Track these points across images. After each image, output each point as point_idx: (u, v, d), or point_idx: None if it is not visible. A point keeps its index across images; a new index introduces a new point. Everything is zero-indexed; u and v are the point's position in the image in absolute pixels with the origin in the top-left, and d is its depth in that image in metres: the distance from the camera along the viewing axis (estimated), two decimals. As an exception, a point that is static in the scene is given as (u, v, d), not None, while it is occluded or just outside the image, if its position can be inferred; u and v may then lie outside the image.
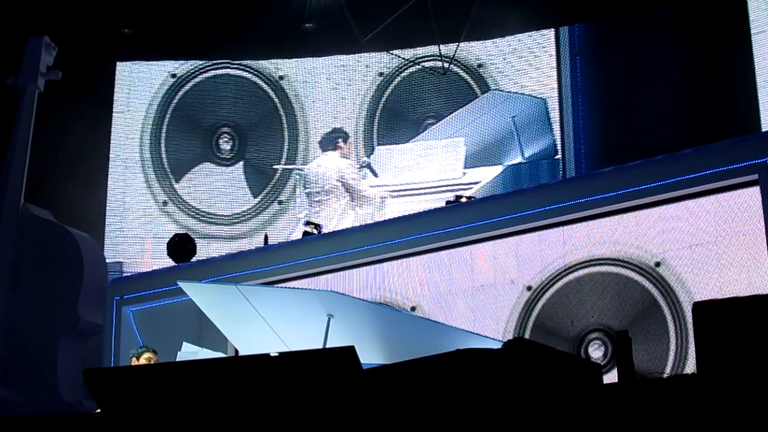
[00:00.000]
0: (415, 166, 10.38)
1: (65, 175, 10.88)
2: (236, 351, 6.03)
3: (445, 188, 9.80)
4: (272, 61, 11.77)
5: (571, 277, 6.55)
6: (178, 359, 6.23)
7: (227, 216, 11.47)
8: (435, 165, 10.25)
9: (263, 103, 11.75)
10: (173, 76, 11.73)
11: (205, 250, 10.75)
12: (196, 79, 11.76)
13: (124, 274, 10.44)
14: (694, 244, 6.12)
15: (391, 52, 11.49)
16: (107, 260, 10.28)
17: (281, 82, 11.73)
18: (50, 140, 10.70)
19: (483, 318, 6.80)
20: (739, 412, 3.30)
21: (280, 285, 7.36)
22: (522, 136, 10.38)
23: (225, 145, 11.68)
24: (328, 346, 4.41)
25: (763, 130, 9.43)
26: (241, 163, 11.64)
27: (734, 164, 5.93)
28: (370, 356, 4.25)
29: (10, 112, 10.17)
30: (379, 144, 11.28)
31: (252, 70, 11.77)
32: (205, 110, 11.75)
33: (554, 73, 10.92)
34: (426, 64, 11.48)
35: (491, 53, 11.29)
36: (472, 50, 11.32)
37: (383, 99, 11.54)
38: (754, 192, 5.88)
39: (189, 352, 6.49)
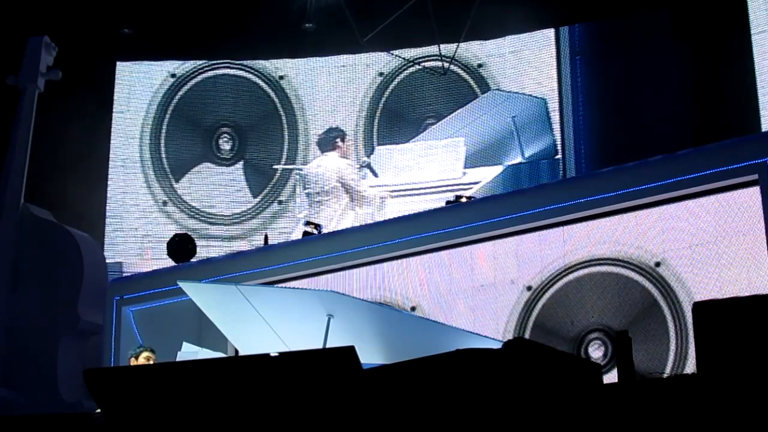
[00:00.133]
0: (415, 166, 10.38)
1: (65, 175, 10.87)
2: (236, 351, 6.02)
3: (445, 188, 9.80)
4: (272, 61, 11.77)
5: (571, 277, 6.55)
6: (178, 359, 6.23)
7: (227, 216, 11.47)
8: (435, 165, 10.25)
9: (263, 103, 11.75)
10: (173, 75, 11.72)
11: (205, 250, 10.75)
12: (196, 79, 11.76)
13: (124, 274, 10.44)
14: (694, 244, 6.12)
15: (391, 52, 11.48)
16: (107, 260, 10.28)
17: (281, 82, 11.73)
18: (50, 140, 10.70)
19: (483, 318, 6.80)
20: (739, 412, 3.30)
21: (280, 285, 7.36)
22: (522, 136, 10.38)
23: (225, 145, 11.68)
24: (328, 346, 4.40)
25: (763, 130, 9.43)
26: (241, 163, 11.64)
27: (734, 164, 5.93)
28: (370, 356, 4.25)
29: (10, 112, 10.17)
30: (379, 144, 11.28)
31: (252, 70, 11.77)
32: (205, 110, 11.75)
33: (554, 73, 10.92)
34: (426, 64, 11.48)
35: (491, 53, 11.29)
36: (472, 50, 11.32)
37: (383, 99, 11.54)
38: (754, 192, 5.88)
39: (189, 352, 6.49)
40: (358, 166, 10.77)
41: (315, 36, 11.62)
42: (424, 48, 11.47)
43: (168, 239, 9.40)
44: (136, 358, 6.87)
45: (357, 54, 11.57)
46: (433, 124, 11.18)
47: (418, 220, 7.27)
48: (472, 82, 11.30)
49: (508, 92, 10.91)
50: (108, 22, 11.36)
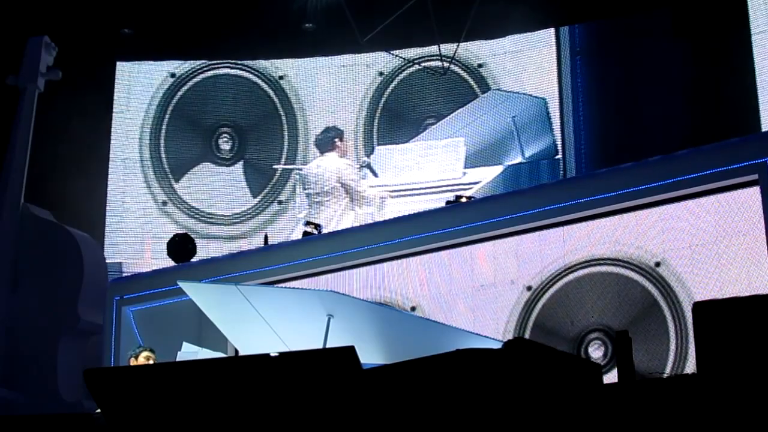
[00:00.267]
0: (415, 166, 10.38)
1: (65, 175, 10.87)
2: (236, 351, 6.02)
3: (445, 188, 9.80)
4: (272, 60, 11.77)
5: (571, 277, 6.55)
6: (178, 359, 6.23)
7: (227, 216, 11.47)
8: (435, 165, 10.25)
9: (263, 103, 11.74)
10: (173, 75, 11.72)
11: (204, 250, 10.75)
12: (196, 79, 11.75)
13: (124, 274, 10.43)
14: (694, 244, 6.12)
15: (391, 52, 11.48)
16: (107, 260, 10.28)
17: (281, 81, 11.73)
18: (50, 140, 10.70)
19: (483, 318, 6.80)
20: (739, 412, 3.30)
21: (280, 285, 7.36)
22: (522, 136, 10.37)
23: (225, 145, 11.67)
24: (328, 346, 4.40)
25: (763, 130, 9.43)
26: (241, 163, 11.64)
27: (734, 164, 5.93)
28: (370, 356, 4.25)
29: (10, 112, 10.17)
30: (379, 144, 11.27)
31: (252, 70, 11.76)
32: (205, 110, 11.74)
33: (554, 73, 10.92)
34: (426, 64, 11.48)
35: (491, 53, 11.28)
36: (473, 50, 11.32)
37: (383, 99, 11.53)
38: (754, 192, 5.88)
39: (189, 352, 6.49)
40: (358, 166, 10.77)
41: (315, 36, 11.61)
42: (424, 48, 11.47)
43: (168, 239, 9.40)
44: (136, 358, 6.88)
45: (357, 54, 11.57)
46: (433, 124, 11.18)
47: (418, 220, 7.27)
48: (472, 82, 11.30)
49: (508, 92, 10.90)
50: (108, 22, 11.36)
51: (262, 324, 4.65)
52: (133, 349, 7.11)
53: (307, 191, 10.42)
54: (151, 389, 3.47)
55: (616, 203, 6.37)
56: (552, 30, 11.03)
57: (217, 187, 11.58)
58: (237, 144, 11.67)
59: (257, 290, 4.90)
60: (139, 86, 11.70)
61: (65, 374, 9.24)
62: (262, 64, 11.76)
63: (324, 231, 8.35)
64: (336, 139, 10.55)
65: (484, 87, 11.21)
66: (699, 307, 3.52)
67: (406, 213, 8.47)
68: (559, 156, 10.54)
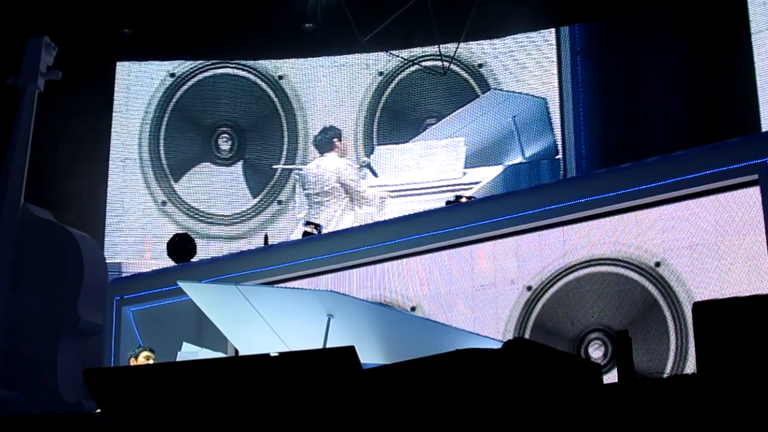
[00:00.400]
0: (415, 166, 10.38)
1: (65, 175, 10.87)
2: (236, 351, 6.02)
3: (445, 188, 9.79)
4: (272, 60, 11.77)
5: (571, 277, 6.55)
6: (178, 359, 6.23)
7: (227, 216, 11.47)
8: (435, 165, 10.25)
9: (263, 103, 11.74)
10: (172, 75, 11.72)
11: (204, 250, 10.75)
12: (195, 79, 11.75)
13: (124, 274, 10.43)
14: (694, 244, 6.12)
15: (390, 52, 11.48)
16: (107, 260, 10.28)
17: (281, 81, 11.73)
18: (50, 140, 10.70)
19: (483, 318, 6.80)
20: (739, 412, 3.29)
21: (280, 285, 7.35)
22: (522, 136, 10.37)
23: (224, 144, 11.67)
24: (328, 346, 4.40)
25: (763, 130, 9.43)
26: (241, 162, 11.64)
27: (734, 164, 5.93)
28: (370, 356, 4.25)
29: (10, 112, 10.17)
30: (379, 144, 11.27)
31: (251, 70, 11.76)
32: (205, 110, 11.74)
33: (555, 73, 10.92)
34: (426, 64, 11.47)
35: (492, 53, 11.28)
36: (473, 50, 11.32)
37: (383, 99, 11.53)
38: (754, 192, 5.88)
39: (189, 352, 6.49)
40: (358, 166, 10.77)
41: (315, 36, 11.61)
42: (424, 48, 11.47)
43: (168, 239, 9.40)
44: (136, 358, 6.88)
45: (357, 54, 11.57)
46: (433, 123, 11.17)
47: (418, 220, 7.26)
48: (472, 82, 11.30)
49: (509, 92, 10.90)
50: (108, 22, 11.36)
51: (262, 324, 4.65)
52: (133, 349, 7.11)
53: (306, 191, 10.42)
54: (151, 389, 3.47)
55: (615, 203, 6.37)
56: (552, 30, 11.03)
57: (217, 187, 11.57)
58: (237, 144, 11.67)
59: (257, 290, 4.90)
60: (139, 86, 11.70)
61: (65, 374, 9.24)
62: (261, 63, 11.76)
63: (324, 231, 8.35)
64: (335, 139, 10.54)
65: (485, 87, 11.21)
66: (699, 307, 3.52)
67: (406, 213, 8.47)
68: (560, 156, 10.54)
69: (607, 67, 10.73)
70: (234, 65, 11.77)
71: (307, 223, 8.22)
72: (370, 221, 9.51)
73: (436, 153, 10.35)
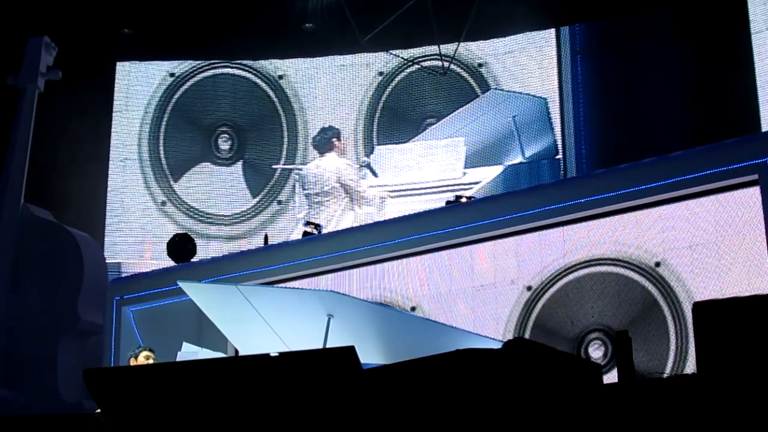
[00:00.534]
0: (415, 166, 10.38)
1: (65, 175, 10.87)
2: (236, 351, 6.02)
3: (445, 188, 9.79)
4: (271, 60, 11.76)
5: (571, 277, 6.55)
6: (178, 359, 6.23)
7: (226, 216, 11.46)
8: (435, 165, 10.25)
9: (262, 103, 11.73)
10: (172, 75, 11.71)
11: (204, 250, 10.74)
12: (195, 79, 11.74)
13: (124, 274, 10.43)
14: (694, 244, 6.12)
15: (390, 52, 11.48)
16: (107, 260, 10.28)
17: (280, 81, 11.72)
18: (50, 140, 10.70)
19: (483, 318, 6.80)
20: (739, 412, 3.29)
21: (280, 285, 7.35)
22: (522, 136, 10.36)
23: (224, 144, 11.66)
24: (328, 346, 4.40)
25: (763, 130, 9.43)
26: (240, 162, 11.63)
27: (734, 164, 5.93)
28: (370, 356, 4.25)
29: (10, 112, 10.17)
30: (379, 144, 11.27)
31: (251, 70, 11.75)
32: (204, 110, 11.73)
33: (555, 73, 10.91)
34: (426, 64, 11.47)
35: (492, 53, 11.28)
36: (473, 50, 11.31)
37: (383, 98, 11.53)
38: (754, 192, 5.88)
39: (189, 352, 6.49)
40: (358, 166, 10.77)
41: (315, 36, 11.61)
42: (424, 48, 11.46)
43: (167, 239, 9.39)
44: (136, 358, 6.88)
45: (357, 54, 11.56)
46: (433, 123, 11.17)
47: (418, 220, 7.26)
48: (472, 82, 11.30)
49: (509, 92, 10.90)
50: (108, 22, 11.36)
51: (262, 324, 4.65)
52: (133, 349, 7.11)
53: (306, 191, 10.42)
54: (151, 389, 3.47)
55: (616, 203, 6.37)
56: (552, 30, 11.02)
57: (217, 187, 11.57)
58: (236, 144, 11.66)
59: (257, 290, 4.90)
60: (139, 86, 11.69)
61: (65, 374, 9.24)
62: (261, 63, 11.75)
63: (324, 231, 8.35)
64: (334, 139, 10.54)
65: (485, 87, 11.21)
66: (699, 307, 3.52)
67: (406, 213, 8.47)
68: (560, 156, 10.54)
69: (607, 67, 10.73)
70: (233, 65, 11.77)
71: (307, 223, 8.22)
72: (370, 221, 9.51)
73: (436, 153, 10.35)
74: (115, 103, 11.62)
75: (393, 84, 11.53)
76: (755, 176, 5.86)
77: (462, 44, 11.18)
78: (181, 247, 9.06)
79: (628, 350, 4.05)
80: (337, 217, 10.02)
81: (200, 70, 11.75)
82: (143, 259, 11.07)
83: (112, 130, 11.54)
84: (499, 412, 3.23)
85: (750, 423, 3.27)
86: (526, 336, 6.57)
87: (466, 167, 10.17)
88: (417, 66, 11.47)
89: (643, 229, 6.33)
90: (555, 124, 10.63)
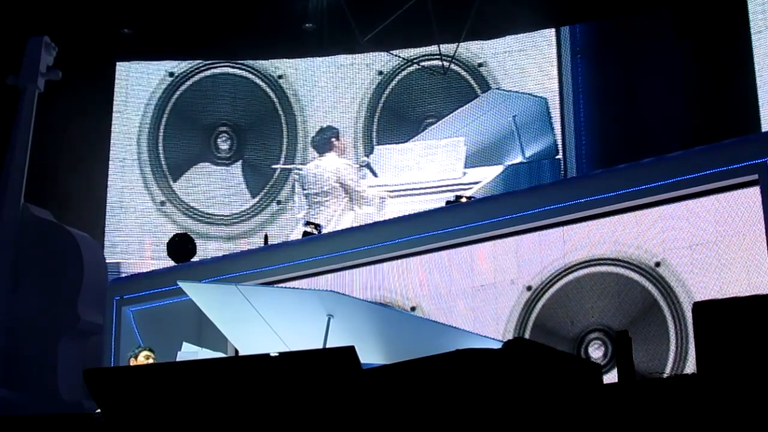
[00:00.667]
0: (415, 166, 10.38)
1: (65, 175, 10.87)
2: (236, 351, 6.02)
3: (445, 188, 9.79)
4: (271, 60, 11.76)
5: (571, 277, 6.55)
6: (178, 359, 6.23)
7: (226, 216, 11.45)
8: (435, 165, 10.25)
9: (262, 103, 11.73)
10: (171, 75, 11.70)
11: (203, 250, 10.74)
12: (194, 78, 11.74)
13: (123, 274, 10.43)
14: (695, 244, 6.12)
15: (391, 52, 11.47)
16: (107, 260, 10.28)
17: (280, 81, 11.72)
18: (50, 140, 10.70)
19: (483, 318, 6.80)
20: (739, 412, 3.29)
21: (280, 285, 7.35)
22: (523, 136, 10.37)
23: (223, 144, 11.65)
24: (328, 346, 4.40)
25: (763, 130, 9.43)
26: (240, 162, 11.62)
27: (734, 164, 5.94)
28: (370, 356, 4.25)
29: (10, 112, 10.17)
30: (378, 143, 11.26)
31: (251, 69, 11.75)
32: (204, 109, 11.72)
33: (555, 73, 10.90)
34: (426, 64, 11.46)
35: (492, 52, 11.27)
36: (473, 49, 11.31)
37: (383, 98, 11.52)
38: (754, 192, 5.88)
39: (189, 352, 6.49)
40: (358, 166, 10.76)
41: (315, 36, 11.61)
42: (424, 48, 11.46)
43: (167, 239, 9.39)
44: (136, 358, 6.88)
45: (357, 54, 11.56)
46: (433, 123, 11.17)
47: (418, 220, 7.27)
48: (472, 82, 11.29)
49: (509, 91, 10.90)
50: (108, 22, 11.36)
51: (262, 324, 4.65)
52: (132, 349, 7.11)
53: (306, 191, 10.41)
54: (151, 389, 3.47)
55: (616, 203, 6.37)
56: (552, 30, 11.02)
57: (216, 187, 11.56)
58: (236, 143, 11.65)
59: (257, 290, 4.90)
60: (138, 85, 11.69)
61: (65, 374, 9.24)
62: (261, 63, 11.74)
63: (324, 231, 8.35)
64: (333, 139, 10.54)
65: (485, 86, 11.20)
66: (699, 307, 3.52)
67: (406, 213, 8.47)
68: (560, 156, 10.54)
69: (607, 67, 10.73)
70: (233, 65, 11.76)
71: (307, 223, 8.22)
72: (370, 221, 9.51)
73: (436, 153, 10.35)
74: (114, 103, 11.61)
75: (393, 84, 11.52)
76: (755, 176, 5.86)
77: (462, 44, 11.18)
78: (181, 247, 9.06)
79: (628, 350, 4.05)
80: (336, 217, 10.02)
81: (200, 69, 11.75)
82: (143, 259, 11.07)
83: (112, 129, 11.54)
84: (499, 412, 3.23)
85: (750, 423, 3.27)
86: (526, 336, 6.57)
87: (466, 167, 10.17)
88: (417, 66, 11.46)
89: (643, 229, 6.33)
90: (555, 124, 10.63)
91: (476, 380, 3.24)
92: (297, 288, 6.87)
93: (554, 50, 10.98)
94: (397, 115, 11.47)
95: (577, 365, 3.99)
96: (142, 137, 11.58)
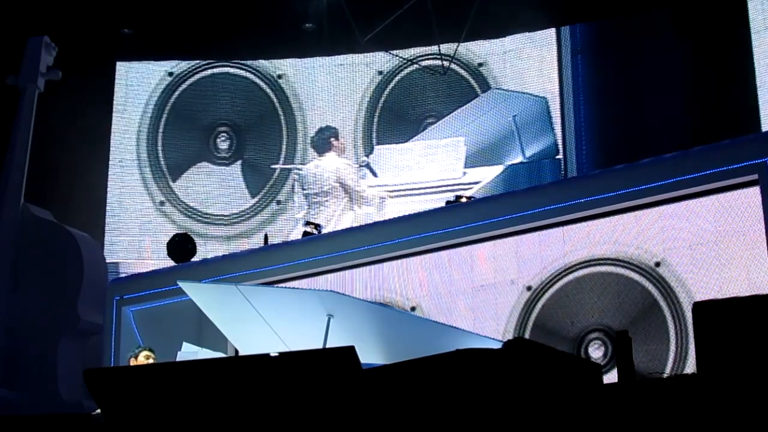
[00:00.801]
0: (415, 166, 10.38)
1: (65, 175, 10.87)
2: (236, 351, 6.02)
3: (445, 188, 9.79)
4: (271, 60, 11.75)
5: (571, 277, 6.55)
6: (178, 359, 6.23)
7: (225, 216, 11.44)
8: (435, 165, 10.25)
9: (261, 102, 11.72)
10: (170, 74, 11.70)
11: (203, 251, 10.73)
12: (194, 78, 11.72)
13: (122, 274, 10.42)
14: (695, 244, 6.12)
15: (390, 51, 11.47)
16: (107, 260, 10.27)
17: (279, 80, 11.71)
18: (50, 140, 10.70)
19: (483, 318, 6.80)
20: (739, 412, 3.29)
21: (280, 285, 7.35)
22: (523, 136, 10.37)
23: (223, 144, 11.64)
24: (328, 346, 4.40)
25: (763, 130, 9.43)
26: (239, 162, 11.62)
27: (734, 164, 5.94)
28: (370, 356, 4.25)
29: (10, 112, 10.17)
30: (378, 143, 11.26)
31: (250, 69, 11.74)
32: (203, 109, 11.71)
33: (555, 72, 10.90)
34: (426, 64, 11.46)
35: (492, 52, 11.27)
36: (473, 49, 11.30)
37: (383, 98, 11.51)
38: (754, 192, 5.88)
39: (189, 352, 6.49)
40: (357, 165, 10.76)
41: (315, 36, 11.60)
42: (424, 47, 11.45)
43: (166, 239, 9.39)
44: (136, 358, 6.88)
45: (356, 54, 11.55)
46: (433, 123, 11.17)
47: (418, 220, 7.27)
48: (472, 81, 11.29)
49: (509, 91, 10.89)
50: (108, 22, 11.36)
51: (262, 324, 4.65)
52: (133, 349, 7.11)
53: (306, 191, 10.41)
54: (151, 389, 3.47)
55: (616, 203, 6.37)
56: (553, 29, 11.02)
57: (216, 187, 11.55)
58: (235, 143, 11.65)
59: (257, 290, 4.90)
60: (137, 85, 11.68)
61: (65, 374, 9.24)
62: (260, 62, 11.74)
63: (323, 231, 8.35)
64: (332, 138, 10.54)
65: (485, 86, 11.20)
66: (699, 307, 3.52)
67: (406, 213, 8.47)
68: (560, 156, 10.54)
69: (607, 67, 10.73)
70: (232, 64, 11.76)
71: (307, 223, 8.22)
72: (370, 221, 9.51)
73: (436, 153, 10.35)
74: (114, 102, 11.61)
75: (393, 83, 11.51)
76: (755, 176, 5.86)
77: (462, 44, 11.17)
78: (181, 247, 9.06)
79: (628, 350, 4.05)
80: (336, 217, 10.02)
81: (199, 69, 11.74)
82: (143, 259, 11.06)
83: (113, 130, 11.53)
84: (499, 412, 3.23)
85: (750, 423, 3.27)
86: (526, 336, 6.57)
87: (466, 167, 10.17)
88: (417, 66, 11.46)
89: (642, 229, 6.33)
90: (555, 123, 10.63)
91: (476, 380, 3.24)
92: (297, 288, 6.87)
93: (554, 50, 10.97)
94: (397, 115, 11.46)
95: (577, 365, 3.99)
96: (141, 137, 11.57)
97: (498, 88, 11.05)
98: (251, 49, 11.65)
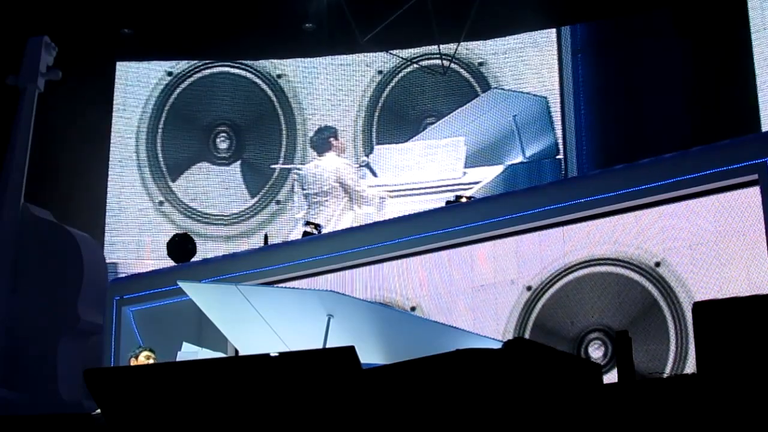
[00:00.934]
0: (415, 166, 10.38)
1: (65, 175, 10.87)
2: (236, 351, 6.02)
3: (445, 188, 9.79)
4: (271, 60, 11.75)
5: (571, 277, 6.55)
6: (178, 359, 6.23)
7: (224, 216, 11.44)
8: (435, 165, 10.25)
9: (261, 102, 11.71)
10: (170, 74, 11.69)
11: (202, 250, 10.73)
12: (193, 78, 11.72)
13: (121, 275, 10.42)
14: (695, 244, 6.12)
15: (390, 51, 11.47)
16: (106, 260, 10.27)
17: (279, 80, 11.71)
18: (50, 140, 10.70)
19: (483, 318, 6.80)
20: (739, 412, 3.29)
21: (280, 285, 7.35)
22: (523, 135, 10.36)
23: (222, 144, 11.64)
24: (328, 346, 4.40)
25: (763, 130, 9.43)
26: (239, 162, 11.61)
27: (734, 164, 5.94)
28: (370, 356, 4.25)
29: (10, 112, 10.17)
30: (378, 143, 11.26)
31: (250, 69, 11.74)
32: (202, 109, 11.70)
33: (555, 72, 10.90)
34: (426, 63, 11.46)
35: (492, 52, 11.27)
36: (473, 49, 11.30)
37: (383, 98, 11.51)
38: (754, 192, 5.88)
39: (189, 352, 6.49)
40: (357, 165, 10.76)
41: (315, 36, 11.60)
42: (424, 47, 11.45)
43: (166, 239, 9.39)
44: (136, 358, 6.87)
45: (356, 53, 11.55)
46: (433, 123, 11.16)
47: (418, 220, 7.27)
48: (472, 81, 11.28)
49: (509, 91, 10.89)
50: (108, 22, 11.36)
51: (262, 324, 4.65)
52: (133, 349, 7.11)
53: (305, 191, 10.41)
54: (151, 389, 3.47)
55: (615, 203, 6.37)
56: (553, 29, 11.02)
57: (215, 186, 11.54)
58: (235, 143, 11.64)
59: (257, 290, 4.90)
60: (137, 85, 11.68)
61: (65, 374, 9.24)
62: (260, 62, 11.74)
63: (323, 231, 8.35)
64: (331, 138, 10.53)
65: (485, 86, 11.19)
66: (699, 307, 3.52)
67: (406, 213, 8.47)
68: (560, 155, 10.54)
69: (607, 67, 10.73)
70: (232, 64, 11.75)
71: (307, 223, 8.22)
72: (370, 221, 9.50)
73: (436, 153, 10.35)
74: (114, 102, 11.61)
75: (393, 83, 11.51)
76: (755, 176, 5.86)
77: (462, 43, 11.17)
78: (180, 247, 9.06)
79: (628, 350, 4.05)
80: (336, 217, 10.02)
81: (198, 69, 11.73)
82: (143, 259, 11.06)
83: (112, 129, 11.53)
84: (499, 412, 3.23)
85: (750, 423, 3.27)
86: (526, 336, 6.57)
87: (466, 167, 10.17)
88: (417, 65, 11.46)
89: (643, 229, 6.33)
90: (555, 123, 10.62)
91: (476, 380, 3.24)
92: (297, 288, 6.87)
93: (554, 50, 10.97)
94: (396, 115, 11.46)
95: (577, 365, 3.99)
96: (140, 137, 11.57)
97: (498, 88, 11.05)
98: (251, 48, 11.64)
